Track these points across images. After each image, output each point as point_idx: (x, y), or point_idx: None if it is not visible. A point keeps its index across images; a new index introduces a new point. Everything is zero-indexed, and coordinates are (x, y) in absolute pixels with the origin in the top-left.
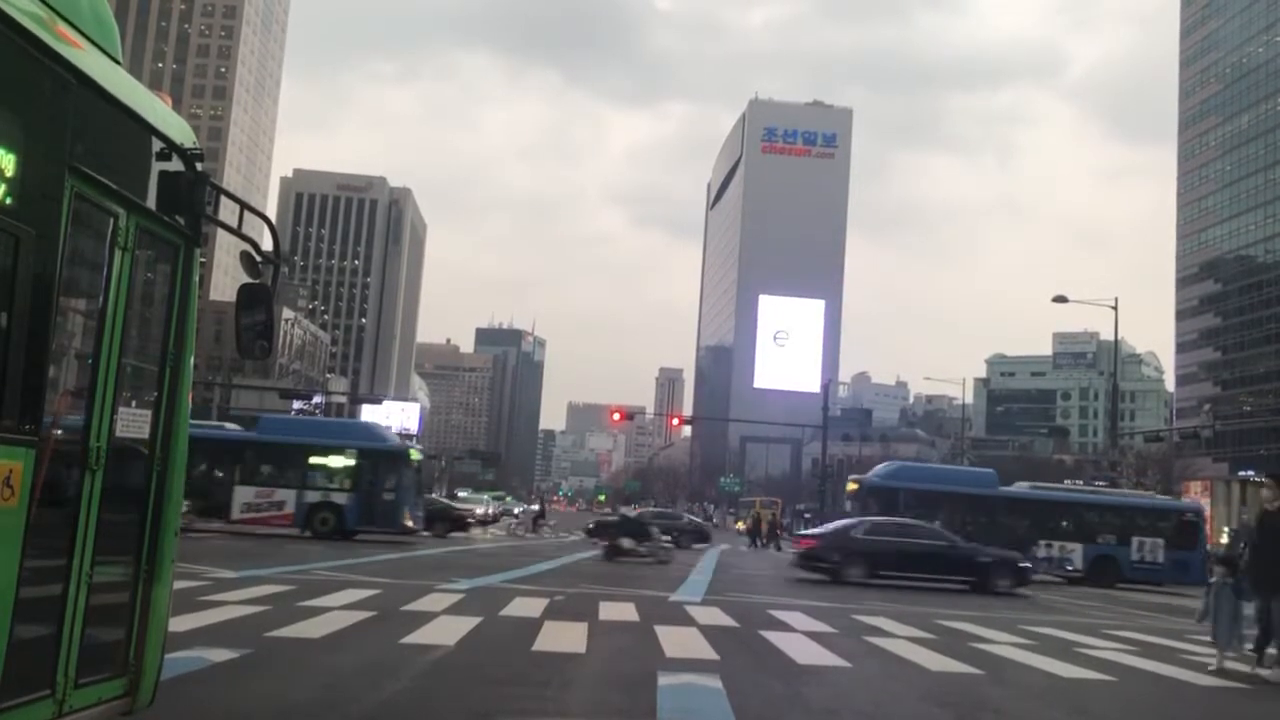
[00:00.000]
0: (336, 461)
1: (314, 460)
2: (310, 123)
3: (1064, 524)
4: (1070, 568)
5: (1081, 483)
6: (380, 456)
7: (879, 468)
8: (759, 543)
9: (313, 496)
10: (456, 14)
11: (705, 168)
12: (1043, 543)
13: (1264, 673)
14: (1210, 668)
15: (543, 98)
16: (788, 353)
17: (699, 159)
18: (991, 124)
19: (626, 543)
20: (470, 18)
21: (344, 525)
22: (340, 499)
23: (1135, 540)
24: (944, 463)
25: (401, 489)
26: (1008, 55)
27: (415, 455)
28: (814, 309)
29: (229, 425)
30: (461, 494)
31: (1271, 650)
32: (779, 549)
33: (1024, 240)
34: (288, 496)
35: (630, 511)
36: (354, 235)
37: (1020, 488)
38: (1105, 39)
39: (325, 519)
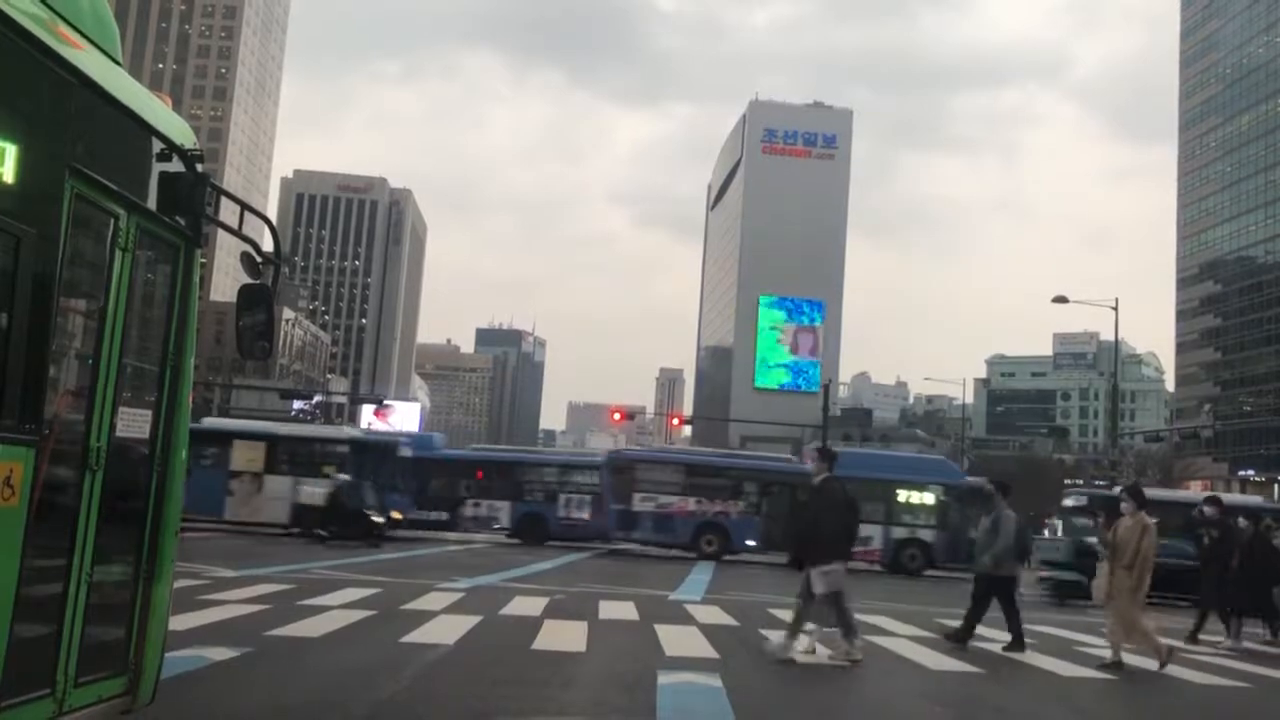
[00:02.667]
0: (921, 497)
1: (900, 496)
2: (312, 123)
3: (495, 483)
4: (497, 525)
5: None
6: (962, 493)
7: None
8: None
9: (900, 533)
10: (460, 14)
11: (708, 168)
12: (470, 501)
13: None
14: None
15: (546, 98)
16: (800, 353)
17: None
18: (995, 124)
19: None
20: (473, 18)
21: (933, 561)
22: (927, 535)
23: (562, 497)
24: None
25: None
26: (1012, 55)
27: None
28: (814, 309)
29: (786, 457)
30: None
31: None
32: None
33: (1025, 241)
34: (874, 532)
35: None
36: (354, 236)
37: (460, 450)
38: (1110, 39)
39: (914, 555)
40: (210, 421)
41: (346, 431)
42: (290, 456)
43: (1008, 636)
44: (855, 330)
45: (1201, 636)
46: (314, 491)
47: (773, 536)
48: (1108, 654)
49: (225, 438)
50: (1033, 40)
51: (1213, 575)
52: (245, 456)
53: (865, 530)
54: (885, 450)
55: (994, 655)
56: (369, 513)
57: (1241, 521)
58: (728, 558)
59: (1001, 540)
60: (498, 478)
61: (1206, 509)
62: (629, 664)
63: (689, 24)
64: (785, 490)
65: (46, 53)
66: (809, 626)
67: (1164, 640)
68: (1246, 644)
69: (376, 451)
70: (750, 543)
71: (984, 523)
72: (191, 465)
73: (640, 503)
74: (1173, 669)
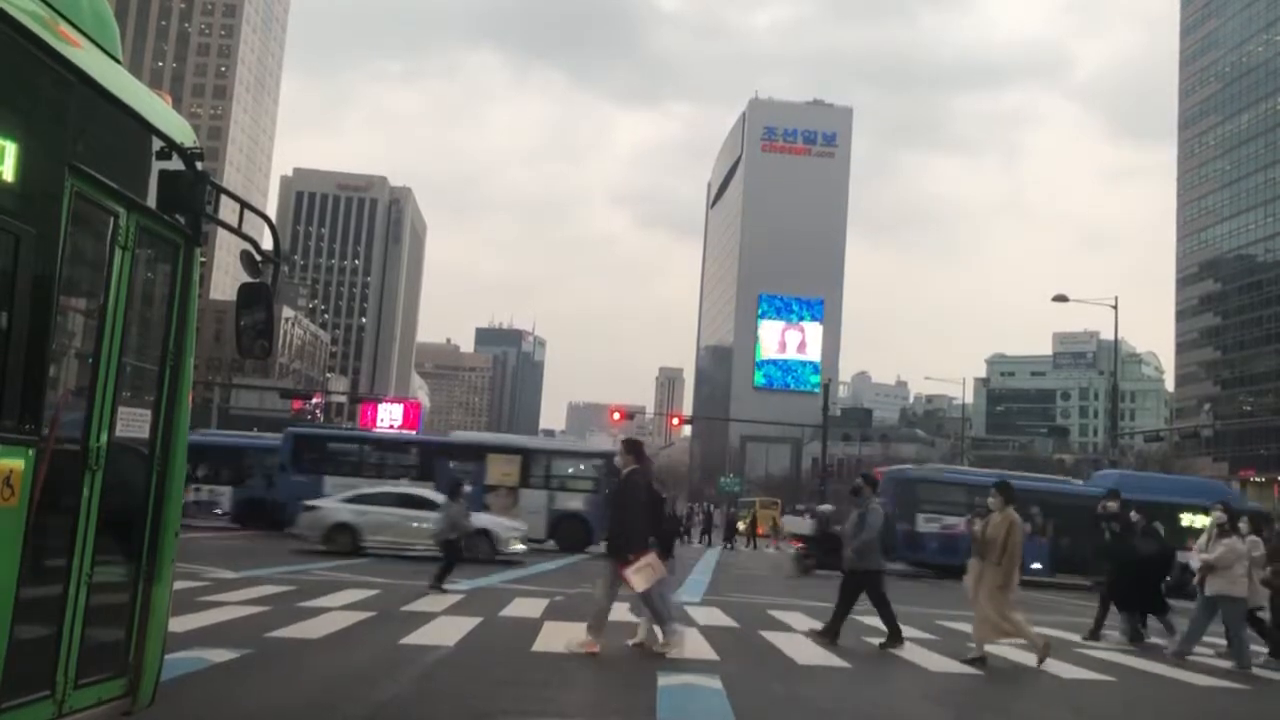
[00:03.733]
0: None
1: (1184, 520)
2: (313, 122)
3: (220, 470)
4: (219, 511)
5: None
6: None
7: None
8: (728, 544)
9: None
10: (461, 14)
11: (708, 168)
12: (193, 487)
13: None
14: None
15: (546, 97)
16: (787, 352)
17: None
18: (996, 124)
19: None
20: (475, 17)
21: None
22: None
23: None
24: (945, 462)
25: None
26: (1013, 55)
27: None
28: (813, 309)
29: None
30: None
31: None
32: (752, 547)
33: (1026, 240)
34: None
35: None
36: (354, 235)
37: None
38: (1111, 40)
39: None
40: (461, 435)
41: (597, 445)
42: (545, 470)
43: (1007, 637)
44: (855, 330)
45: (1129, 635)
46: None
47: (1058, 558)
48: (972, 649)
49: (479, 451)
50: (1034, 40)
51: (1115, 570)
52: (500, 471)
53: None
54: (1161, 474)
55: (995, 655)
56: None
57: (1134, 515)
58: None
59: (866, 534)
60: None
61: (1109, 503)
62: (629, 665)
63: (690, 24)
64: (1074, 513)
65: (46, 51)
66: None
67: (1039, 633)
68: (1153, 639)
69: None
70: (1036, 565)
71: (852, 516)
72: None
73: (925, 524)
74: (1173, 670)
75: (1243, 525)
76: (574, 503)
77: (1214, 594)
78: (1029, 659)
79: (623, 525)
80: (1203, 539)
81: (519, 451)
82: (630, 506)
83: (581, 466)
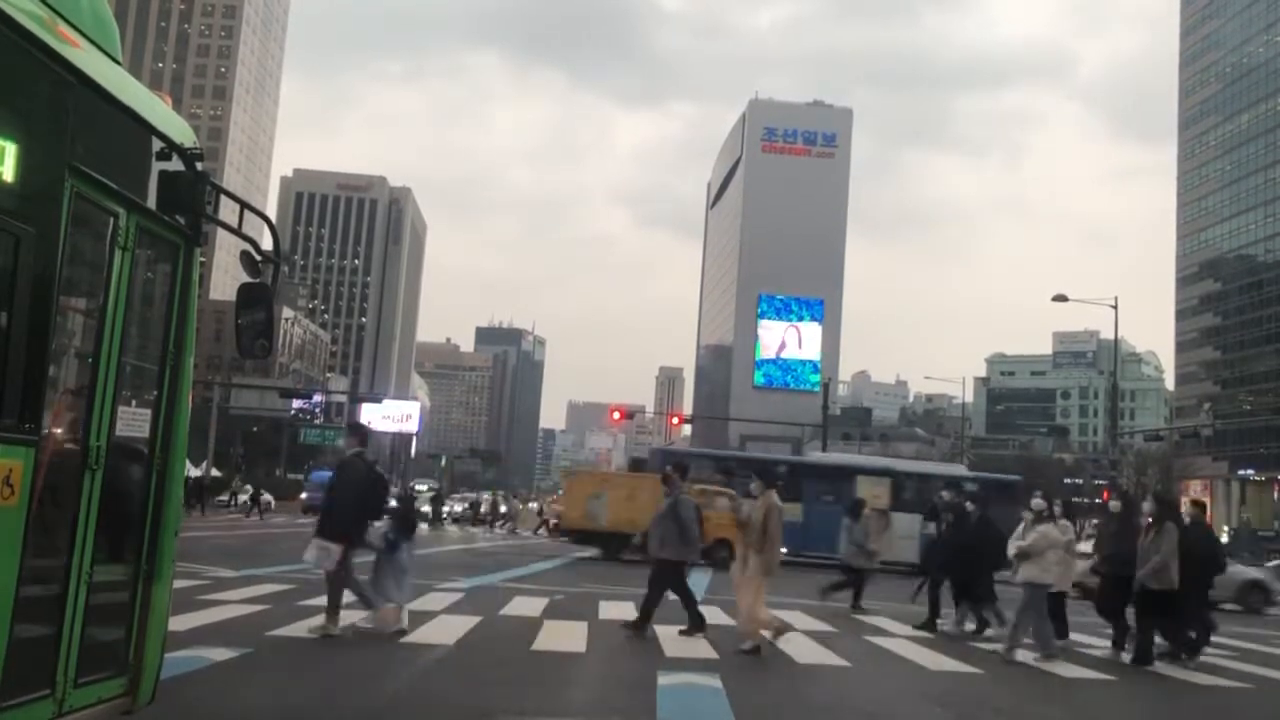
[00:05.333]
0: None
1: None
2: (313, 122)
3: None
4: None
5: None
6: None
7: None
8: None
9: None
10: (462, 14)
11: (709, 168)
12: None
13: None
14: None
15: (547, 98)
16: (787, 351)
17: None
18: (998, 124)
19: None
20: (476, 18)
21: None
22: None
23: None
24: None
25: None
26: (1015, 56)
27: None
28: (813, 308)
29: None
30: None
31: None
32: None
33: (1027, 240)
34: None
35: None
36: (354, 234)
37: None
38: (1113, 40)
39: None
40: (830, 456)
41: (958, 469)
42: (915, 492)
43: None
44: (855, 329)
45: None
46: None
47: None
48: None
49: (848, 473)
50: (1036, 41)
51: (949, 559)
52: (869, 493)
53: None
54: None
55: (994, 655)
56: None
57: (969, 506)
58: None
59: (670, 524)
60: None
61: (945, 493)
62: (629, 664)
63: (691, 24)
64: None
65: (46, 52)
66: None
67: (778, 626)
68: (969, 626)
69: (998, 489)
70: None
71: (662, 505)
72: (811, 503)
73: None
74: (1172, 669)
75: (1057, 510)
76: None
77: (1024, 580)
78: (1029, 658)
79: (337, 506)
80: (1020, 527)
81: (888, 473)
82: (346, 487)
83: (955, 488)
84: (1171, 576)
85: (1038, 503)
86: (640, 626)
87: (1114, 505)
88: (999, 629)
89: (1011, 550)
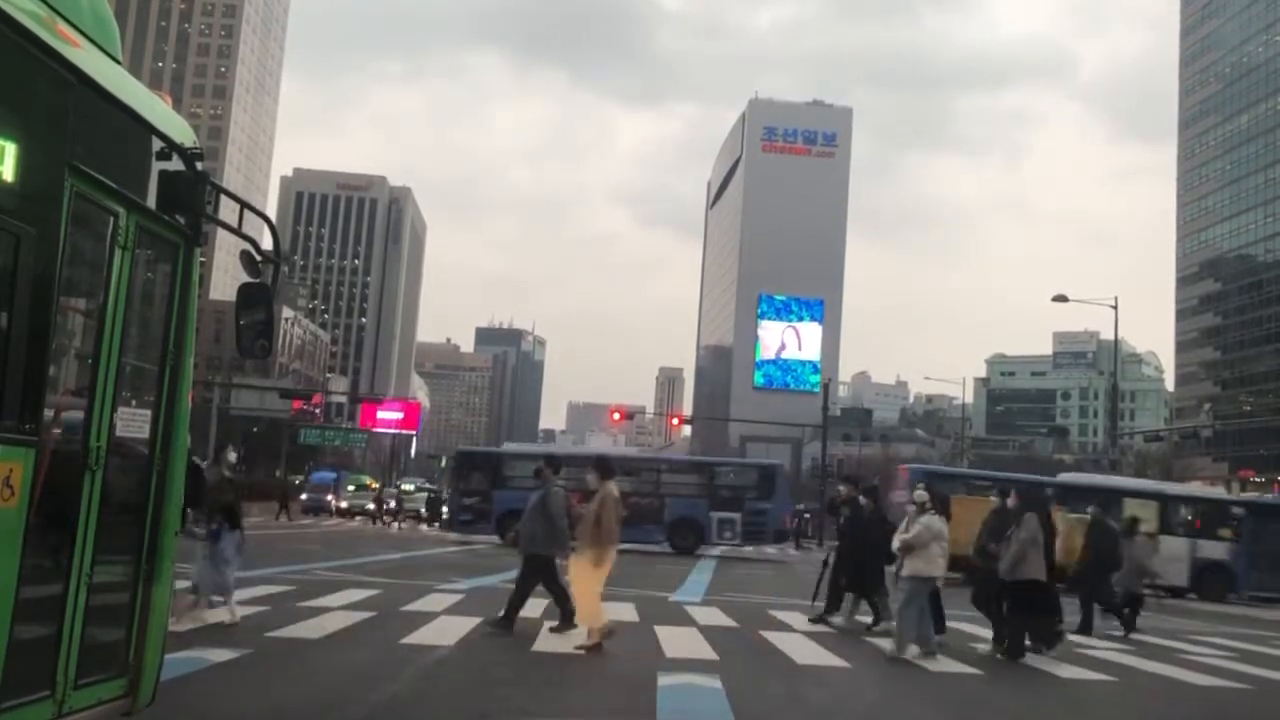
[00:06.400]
0: None
1: None
2: (314, 122)
3: None
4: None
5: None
6: None
7: None
8: None
9: None
10: (463, 14)
11: (709, 168)
12: None
13: None
14: None
15: (548, 97)
16: (787, 352)
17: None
18: (999, 124)
19: None
20: (477, 17)
21: None
22: None
23: None
24: (944, 463)
25: None
26: (1016, 56)
27: None
28: (813, 309)
29: None
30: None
31: None
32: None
33: (1027, 241)
34: None
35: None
36: (354, 234)
37: None
38: (1115, 40)
39: None
40: (1089, 478)
41: (1218, 492)
42: (1183, 515)
43: (1015, 638)
44: (855, 330)
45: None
46: None
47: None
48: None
49: (1116, 495)
50: (1036, 40)
51: (844, 553)
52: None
53: None
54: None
55: (995, 657)
56: None
57: (862, 500)
58: None
59: (539, 519)
60: None
61: (841, 487)
62: (629, 665)
63: (692, 24)
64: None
65: (46, 51)
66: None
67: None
68: (860, 619)
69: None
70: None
71: (532, 499)
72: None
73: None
74: (1173, 669)
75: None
76: (1217, 552)
77: (910, 574)
78: (1028, 658)
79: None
80: (905, 521)
81: (1157, 497)
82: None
83: (1221, 513)
84: (1029, 567)
85: (920, 494)
86: (506, 624)
87: (996, 500)
88: (888, 623)
89: (895, 544)
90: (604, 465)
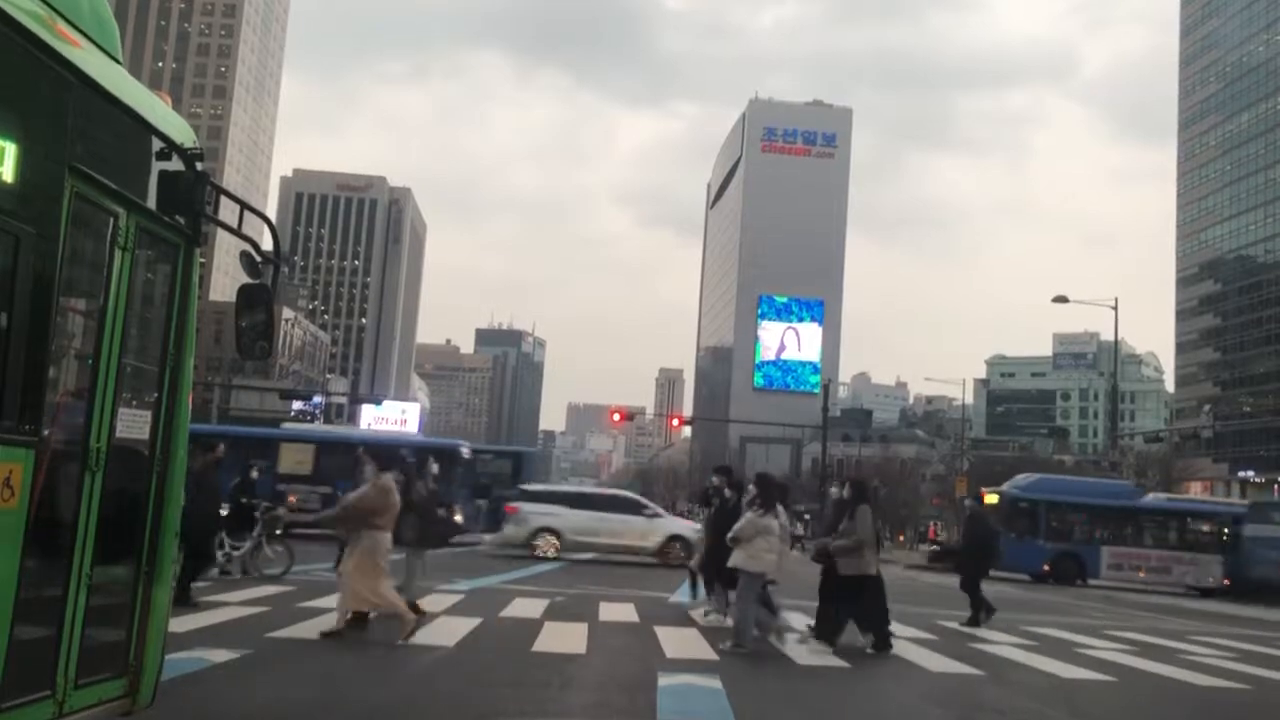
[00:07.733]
0: None
1: None
2: (315, 122)
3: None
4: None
5: None
6: None
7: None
8: None
9: None
10: (465, 14)
11: (711, 168)
12: None
13: None
14: None
15: (551, 98)
16: (787, 353)
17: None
18: (1001, 125)
19: None
20: (479, 18)
21: None
22: None
23: None
24: (944, 462)
25: None
26: (1019, 56)
27: None
28: (813, 309)
29: None
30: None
31: None
32: None
33: (1029, 241)
34: None
35: None
36: (354, 235)
37: None
38: (1117, 41)
39: None
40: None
41: None
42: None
43: (1008, 637)
44: (856, 330)
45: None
46: None
47: None
48: (332, 622)
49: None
50: (1039, 41)
51: (712, 544)
52: None
53: None
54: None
55: (995, 656)
56: None
57: (727, 493)
58: None
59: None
60: None
61: (714, 478)
62: (629, 666)
63: (695, 25)
64: None
65: (46, 51)
66: None
67: (403, 609)
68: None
69: None
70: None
71: (418, 488)
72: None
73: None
74: (1173, 669)
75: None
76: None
77: (734, 565)
78: (1028, 659)
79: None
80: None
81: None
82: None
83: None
84: (862, 561)
85: (752, 489)
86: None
87: (834, 491)
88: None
89: (728, 536)
90: (375, 453)
